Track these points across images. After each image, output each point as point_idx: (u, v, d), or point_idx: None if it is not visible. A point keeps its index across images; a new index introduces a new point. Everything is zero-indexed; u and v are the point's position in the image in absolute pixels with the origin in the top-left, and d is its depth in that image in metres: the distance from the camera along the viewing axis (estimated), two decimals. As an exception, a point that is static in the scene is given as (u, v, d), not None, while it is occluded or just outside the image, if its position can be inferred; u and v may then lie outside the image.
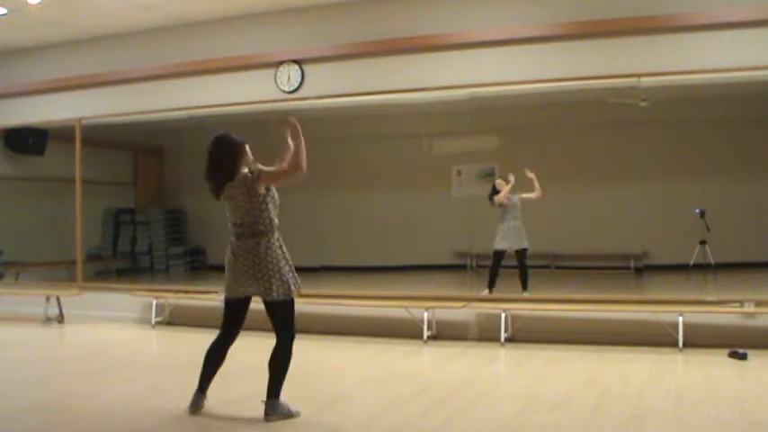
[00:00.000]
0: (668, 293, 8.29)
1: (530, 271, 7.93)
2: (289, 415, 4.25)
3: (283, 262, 4.25)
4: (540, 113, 9.40)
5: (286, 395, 4.28)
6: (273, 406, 4.24)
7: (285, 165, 4.27)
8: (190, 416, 4.34)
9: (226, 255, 4.32)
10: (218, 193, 4.28)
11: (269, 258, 4.19)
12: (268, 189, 4.25)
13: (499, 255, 7.92)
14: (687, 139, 9.73)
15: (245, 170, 4.25)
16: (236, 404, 4.60)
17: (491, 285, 7.80)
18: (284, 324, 4.25)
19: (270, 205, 4.25)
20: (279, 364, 4.23)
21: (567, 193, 9.83)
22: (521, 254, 7.89)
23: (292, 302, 4.27)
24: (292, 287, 4.24)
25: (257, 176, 4.19)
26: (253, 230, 4.20)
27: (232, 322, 4.41)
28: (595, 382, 5.17)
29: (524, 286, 7.73)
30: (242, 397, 4.74)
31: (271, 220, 4.24)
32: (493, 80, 7.21)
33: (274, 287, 4.17)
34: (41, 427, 4.24)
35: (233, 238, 4.29)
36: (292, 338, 4.25)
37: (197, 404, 4.38)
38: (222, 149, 4.26)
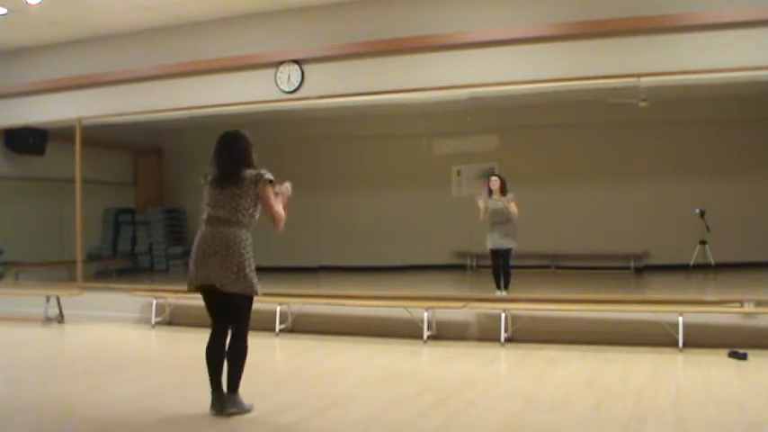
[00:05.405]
0: (668, 293, 8.27)
1: (529, 271, 7.92)
2: (247, 410, 4.34)
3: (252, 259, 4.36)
4: (540, 113, 9.38)
5: (286, 395, 4.28)
6: (235, 401, 4.33)
7: (277, 211, 4.36)
8: (212, 415, 4.31)
9: (197, 242, 4.35)
10: (230, 180, 4.32)
11: (246, 251, 4.29)
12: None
13: (491, 253, 7.94)
14: (687, 139, 9.72)
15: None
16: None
17: (497, 285, 7.82)
18: (248, 319, 4.39)
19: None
20: (241, 357, 4.34)
21: (567, 193, 9.81)
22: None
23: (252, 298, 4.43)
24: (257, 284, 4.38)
25: (264, 182, 4.31)
26: (236, 221, 4.30)
27: (218, 313, 4.41)
28: (595, 382, 5.17)
29: (505, 285, 7.75)
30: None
31: (254, 217, 4.39)
32: (493, 80, 7.22)
33: (254, 281, 4.29)
34: (41, 427, 4.24)
35: (210, 227, 4.32)
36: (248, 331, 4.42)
37: (217, 403, 4.35)
38: (244, 142, 4.40)
